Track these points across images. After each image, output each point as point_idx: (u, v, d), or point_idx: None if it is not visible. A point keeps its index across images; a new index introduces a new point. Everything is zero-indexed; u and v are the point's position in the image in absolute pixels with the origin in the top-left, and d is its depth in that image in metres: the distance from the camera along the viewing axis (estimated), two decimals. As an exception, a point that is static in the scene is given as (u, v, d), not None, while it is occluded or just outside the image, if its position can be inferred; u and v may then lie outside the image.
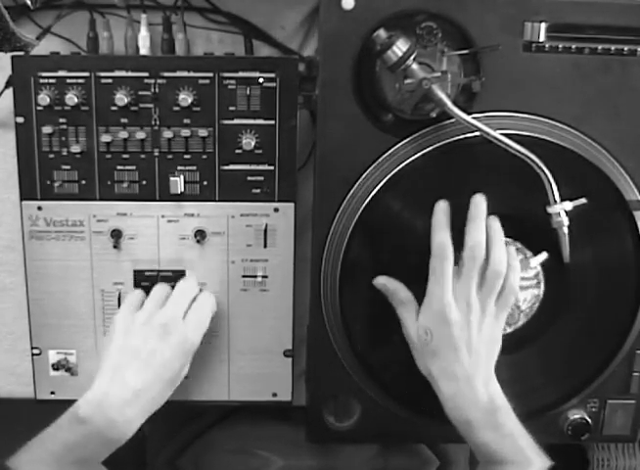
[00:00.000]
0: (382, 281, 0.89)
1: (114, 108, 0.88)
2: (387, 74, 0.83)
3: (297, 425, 1.02)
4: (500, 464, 0.83)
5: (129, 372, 0.85)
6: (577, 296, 0.92)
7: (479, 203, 0.85)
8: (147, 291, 0.94)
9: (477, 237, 0.84)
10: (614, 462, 1.14)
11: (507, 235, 0.88)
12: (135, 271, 0.94)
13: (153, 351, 0.87)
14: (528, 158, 0.81)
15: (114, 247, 0.93)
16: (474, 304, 0.83)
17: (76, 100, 0.87)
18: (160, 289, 0.93)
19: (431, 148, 0.86)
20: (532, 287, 0.91)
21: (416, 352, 0.87)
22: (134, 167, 0.90)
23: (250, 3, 0.93)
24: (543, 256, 0.89)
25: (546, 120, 0.86)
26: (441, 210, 0.85)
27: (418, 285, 0.87)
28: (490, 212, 0.87)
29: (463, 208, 0.86)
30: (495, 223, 0.85)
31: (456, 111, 0.81)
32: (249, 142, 0.89)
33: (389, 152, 0.86)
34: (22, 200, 0.91)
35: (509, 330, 0.92)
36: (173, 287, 0.93)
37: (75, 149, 0.89)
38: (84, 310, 0.95)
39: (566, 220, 0.83)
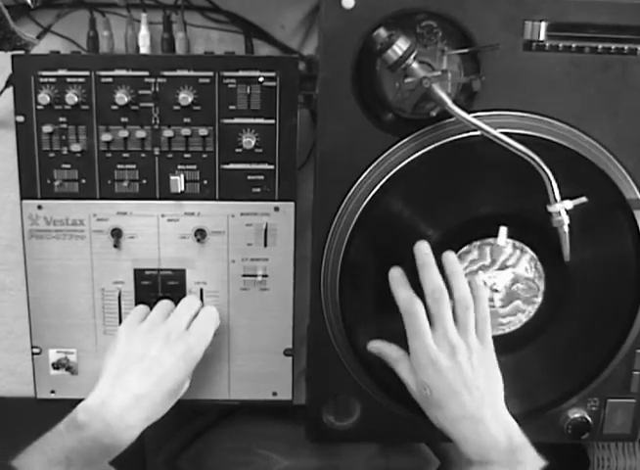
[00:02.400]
0: (375, 345, 0.91)
1: (114, 107, 0.88)
2: (387, 73, 0.83)
3: (298, 424, 1.02)
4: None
5: (130, 378, 0.85)
6: (578, 295, 0.92)
7: (422, 249, 0.86)
8: (147, 289, 0.94)
9: (433, 281, 0.85)
10: (614, 461, 1.13)
11: (508, 234, 0.88)
12: (135, 270, 0.94)
13: (155, 358, 0.87)
14: (529, 157, 0.81)
15: (115, 246, 0.93)
16: (457, 344, 0.84)
17: (77, 99, 0.87)
18: (163, 304, 0.94)
19: (431, 147, 0.86)
20: (521, 256, 0.91)
21: (422, 405, 0.88)
22: (134, 166, 0.90)
23: (250, 2, 0.93)
24: (503, 230, 0.89)
25: (546, 119, 0.86)
26: (395, 276, 0.87)
27: (419, 285, 0.87)
28: (491, 212, 0.88)
29: (462, 208, 0.87)
30: (452, 258, 0.86)
31: (456, 110, 0.81)
32: (249, 141, 0.89)
33: (390, 151, 0.86)
34: (22, 199, 0.91)
35: (539, 299, 0.92)
36: (175, 303, 0.94)
37: (76, 148, 0.89)
38: (84, 310, 0.95)
39: (566, 219, 0.83)
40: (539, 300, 0.92)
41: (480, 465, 0.84)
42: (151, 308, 0.93)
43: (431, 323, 0.85)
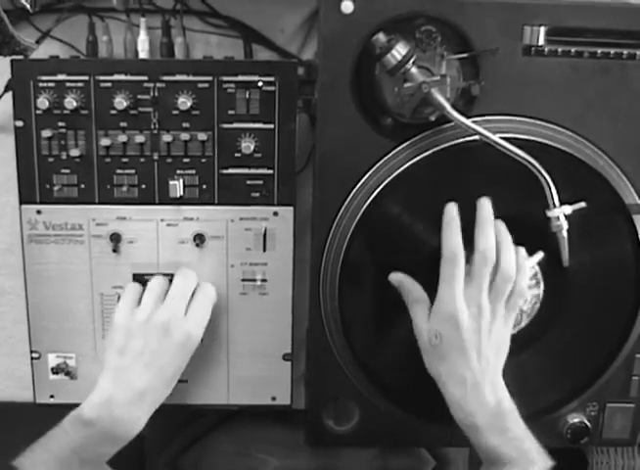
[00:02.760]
0: (398, 278, 0.88)
1: (113, 111, 0.88)
2: (386, 78, 0.83)
3: (297, 428, 1.02)
4: (504, 466, 0.83)
5: (133, 374, 0.86)
6: (577, 299, 0.92)
7: (485, 206, 0.85)
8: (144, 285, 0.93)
9: (487, 241, 0.84)
10: (613, 466, 1.13)
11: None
12: (134, 275, 0.94)
13: (155, 351, 0.87)
14: (528, 161, 0.81)
15: (114, 250, 0.92)
16: (485, 308, 0.84)
17: (76, 104, 0.87)
18: (157, 282, 0.92)
19: (430, 152, 0.86)
20: (532, 287, 0.91)
21: (425, 353, 0.87)
22: (133, 171, 0.90)
23: (249, 7, 0.93)
24: (539, 255, 0.88)
25: (545, 124, 0.86)
26: (452, 212, 0.85)
27: (424, 281, 0.87)
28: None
29: (462, 211, 0.86)
30: (503, 227, 0.85)
31: (455, 114, 0.81)
32: (248, 146, 0.89)
33: (389, 155, 0.86)
34: (21, 203, 0.91)
35: (513, 331, 0.91)
36: (170, 280, 0.92)
37: (75, 153, 0.89)
38: (83, 314, 0.95)
39: (565, 224, 0.83)
40: (537, 306, 0.92)
41: (467, 429, 0.85)
42: (142, 282, 0.93)
43: (467, 277, 0.84)
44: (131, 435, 0.85)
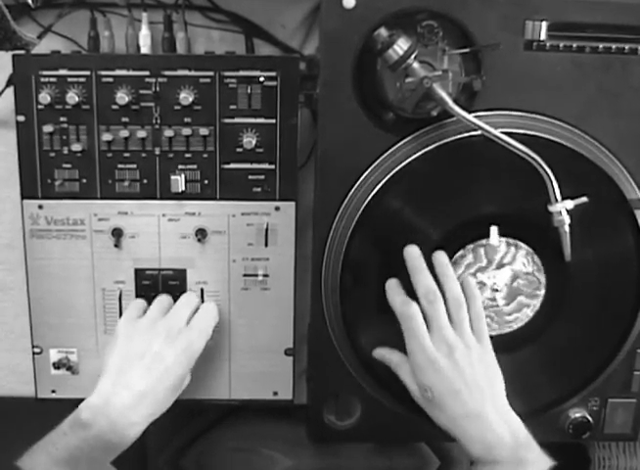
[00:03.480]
0: (380, 352, 0.91)
1: (114, 106, 0.88)
2: (388, 73, 0.83)
3: (299, 423, 1.02)
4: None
5: (132, 376, 0.85)
6: (578, 294, 0.92)
7: (412, 253, 0.86)
8: (148, 288, 0.94)
9: (426, 284, 0.85)
10: (615, 461, 1.13)
11: (509, 234, 0.88)
12: (136, 270, 0.94)
13: (156, 354, 0.87)
14: (530, 156, 0.81)
15: (115, 245, 0.93)
16: (453, 342, 0.84)
17: (77, 99, 0.87)
18: (162, 298, 0.94)
19: (432, 147, 0.86)
20: (517, 251, 0.91)
21: (425, 408, 0.87)
22: (135, 166, 0.90)
23: (250, 2, 0.93)
24: (494, 230, 0.88)
25: (547, 119, 0.86)
26: (391, 284, 0.88)
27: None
28: (492, 211, 0.88)
29: (464, 207, 0.87)
30: (443, 260, 0.86)
31: (457, 109, 0.81)
32: (249, 141, 0.89)
33: (390, 151, 0.86)
34: (22, 198, 0.91)
35: (541, 292, 0.92)
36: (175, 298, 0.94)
37: (76, 148, 0.89)
38: (85, 309, 0.95)
39: (567, 219, 0.83)
40: (542, 292, 0.92)
41: (486, 465, 0.84)
42: (149, 304, 0.93)
43: (427, 326, 0.85)
44: (127, 440, 0.84)
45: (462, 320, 0.85)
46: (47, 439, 0.83)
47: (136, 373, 0.86)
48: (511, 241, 0.90)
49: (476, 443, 0.83)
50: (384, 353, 0.91)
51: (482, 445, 0.83)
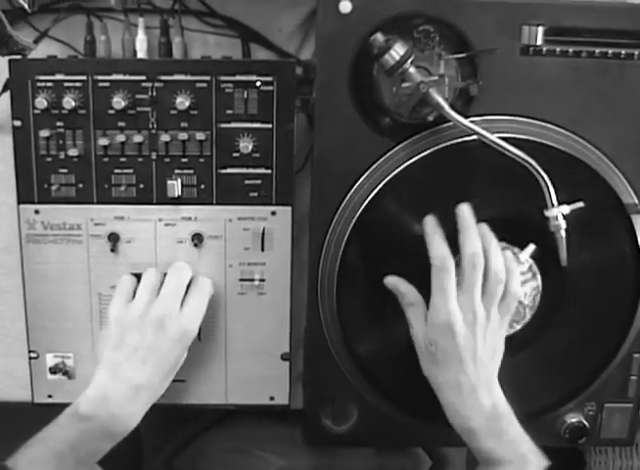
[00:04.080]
0: (393, 281, 0.88)
1: (111, 111, 0.88)
2: (384, 78, 0.83)
3: (295, 427, 1.02)
4: (501, 466, 0.83)
5: (128, 369, 0.86)
6: (575, 299, 0.92)
7: (465, 211, 0.85)
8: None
9: (473, 246, 0.84)
10: (611, 466, 1.13)
11: (504, 238, 0.88)
12: (132, 275, 0.93)
13: (151, 346, 0.87)
14: (526, 161, 0.81)
15: (112, 250, 0.92)
16: (479, 313, 0.83)
17: (74, 103, 0.87)
18: (151, 275, 0.92)
19: (428, 151, 0.86)
20: (529, 280, 0.91)
21: (422, 357, 0.87)
22: (131, 171, 0.90)
23: (247, 6, 0.93)
24: (531, 248, 0.88)
25: (544, 124, 0.86)
26: (432, 223, 0.85)
27: (420, 284, 0.87)
28: (488, 216, 0.87)
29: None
30: (487, 230, 0.86)
31: (453, 114, 0.81)
32: (246, 145, 0.89)
33: (387, 155, 0.86)
34: (19, 203, 0.91)
35: (518, 327, 0.92)
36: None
37: (73, 152, 0.89)
38: (81, 314, 0.95)
39: (563, 224, 0.83)
40: (538, 297, 0.92)
41: (465, 434, 0.85)
42: (138, 279, 0.92)
43: (458, 284, 0.84)
44: (127, 430, 0.86)
45: (495, 296, 0.84)
46: (44, 433, 0.83)
47: (132, 366, 0.86)
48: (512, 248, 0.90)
49: (459, 410, 0.85)
50: (398, 285, 0.88)
51: (464, 413, 0.84)
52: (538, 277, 0.91)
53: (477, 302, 0.83)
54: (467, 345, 0.83)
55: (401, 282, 0.88)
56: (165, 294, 0.90)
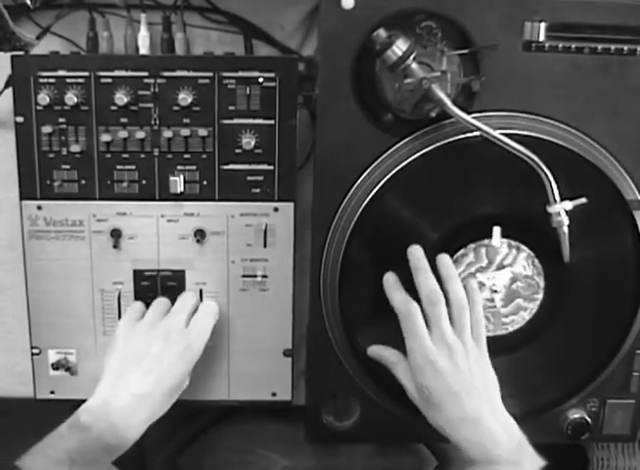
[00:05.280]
0: (374, 350, 0.91)
1: (113, 107, 0.88)
2: (386, 74, 0.83)
3: (297, 424, 1.02)
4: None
5: (132, 378, 0.85)
6: (577, 295, 0.92)
7: (415, 253, 0.86)
8: (146, 289, 0.94)
9: (429, 285, 0.85)
10: (613, 462, 1.14)
11: (507, 235, 0.88)
12: (135, 271, 0.94)
13: (155, 357, 0.87)
14: (528, 157, 0.81)
15: (114, 246, 0.93)
16: (454, 344, 0.84)
17: (76, 99, 0.87)
18: (161, 300, 0.94)
19: (430, 147, 0.86)
20: (518, 254, 0.91)
21: (422, 408, 0.87)
22: (134, 167, 0.90)
23: (249, 2, 0.93)
24: (496, 230, 0.89)
25: (546, 120, 0.86)
26: (389, 280, 0.88)
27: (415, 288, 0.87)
28: (490, 212, 0.88)
29: (462, 209, 0.87)
30: (446, 261, 0.87)
31: (456, 110, 0.81)
32: (248, 142, 0.89)
33: (389, 151, 0.86)
34: (21, 199, 0.91)
35: (539, 296, 0.92)
36: (173, 301, 0.94)
37: (75, 148, 0.89)
38: (84, 310, 0.95)
39: (566, 220, 0.83)
40: (540, 296, 0.92)
41: (484, 465, 0.84)
42: (147, 306, 0.93)
43: (427, 326, 0.85)
44: (126, 443, 0.84)
45: (464, 324, 0.85)
46: (45, 441, 0.83)
47: (135, 376, 0.86)
48: (512, 243, 0.90)
49: (472, 445, 0.83)
50: (379, 352, 0.91)
51: (480, 448, 0.83)
52: (523, 247, 0.91)
53: (447, 334, 0.84)
54: (453, 377, 0.83)
55: (380, 349, 0.91)
56: (173, 312, 0.91)
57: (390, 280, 0.88)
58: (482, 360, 0.86)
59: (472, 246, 0.90)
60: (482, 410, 0.83)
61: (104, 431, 0.82)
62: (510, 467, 0.83)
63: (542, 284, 0.92)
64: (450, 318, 0.85)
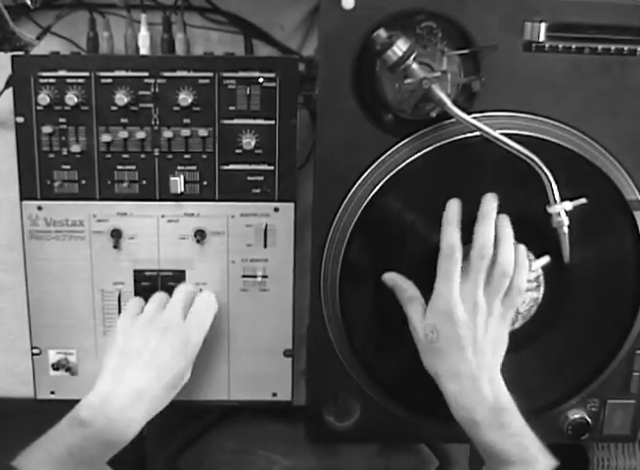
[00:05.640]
0: (391, 277, 0.89)
1: (113, 108, 0.88)
2: (386, 74, 0.83)
3: (297, 424, 1.02)
4: (505, 464, 0.83)
5: (131, 373, 0.86)
6: (577, 295, 0.92)
7: (490, 201, 0.85)
8: (147, 290, 0.94)
9: (485, 236, 0.84)
10: (614, 462, 1.13)
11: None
12: (135, 271, 0.94)
13: (154, 351, 0.87)
14: (529, 157, 0.81)
15: (114, 247, 0.93)
16: (480, 303, 0.84)
17: (76, 100, 0.87)
18: (159, 295, 0.94)
19: (430, 148, 0.86)
20: (532, 290, 0.91)
21: (422, 349, 0.87)
22: (134, 167, 0.90)
23: (249, 3, 0.93)
24: (545, 259, 0.88)
25: (546, 120, 0.86)
26: (453, 208, 0.85)
27: (417, 285, 0.87)
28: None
29: (463, 207, 0.86)
30: (505, 222, 0.85)
31: (456, 110, 0.81)
32: (249, 142, 0.89)
33: (389, 152, 0.86)
34: (21, 199, 0.91)
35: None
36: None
37: (75, 149, 0.89)
38: (84, 310, 0.95)
39: (566, 220, 0.83)
40: (539, 298, 0.92)
41: (467, 427, 0.85)
42: (146, 302, 0.93)
43: (464, 273, 0.84)
44: (125, 438, 0.84)
45: (499, 289, 0.84)
46: (46, 437, 0.83)
47: (134, 371, 0.86)
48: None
49: (459, 399, 0.84)
50: (397, 280, 0.89)
51: (466, 403, 0.84)
52: (541, 289, 0.91)
53: (479, 292, 0.83)
54: (467, 333, 0.83)
55: (400, 278, 0.89)
56: (171, 306, 0.91)
57: (454, 208, 0.85)
58: (501, 327, 0.86)
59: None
60: (482, 372, 0.84)
61: (103, 427, 0.82)
62: (491, 429, 0.83)
63: (542, 288, 0.92)
64: (489, 277, 0.84)
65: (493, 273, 0.84)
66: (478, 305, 0.83)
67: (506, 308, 0.85)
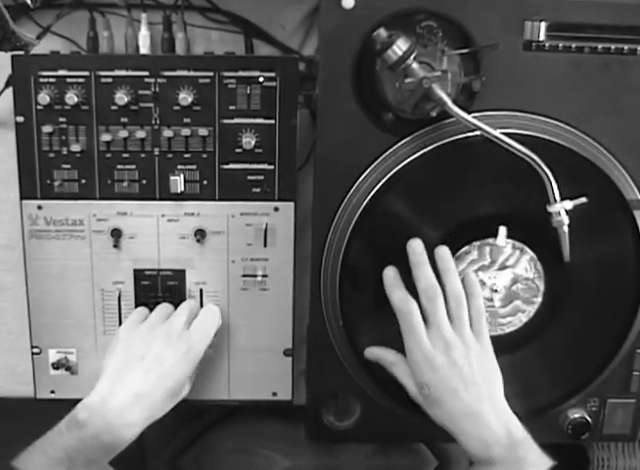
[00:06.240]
0: (372, 351, 0.91)
1: (114, 107, 0.88)
2: (387, 74, 0.83)
3: (298, 424, 1.02)
4: None
5: (131, 376, 0.85)
6: (577, 295, 0.92)
7: (416, 248, 0.86)
8: (147, 289, 0.95)
9: (426, 280, 0.85)
10: (614, 461, 1.13)
11: (507, 234, 0.88)
12: (135, 270, 0.94)
13: (156, 356, 0.87)
14: (529, 157, 0.81)
15: (115, 246, 0.93)
16: (451, 340, 0.84)
17: (76, 99, 0.87)
18: (164, 306, 0.94)
19: (431, 147, 0.86)
20: (521, 256, 0.91)
21: (423, 405, 0.87)
22: (134, 167, 0.90)
23: (250, 2, 0.93)
24: (502, 230, 0.88)
25: (546, 119, 0.86)
26: (389, 276, 0.87)
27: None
28: (491, 212, 0.88)
29: (462, 208, 0.87)
30: (443, 252, 0.86)
31: (456, 110, 0.81)
32: (249, 141, 0.89)
33: (390, 151, 0.86)
34: (22, 199, 0.91)
35: (538, 300, 0.93)
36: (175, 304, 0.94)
37: (75, 148, 0.89)
38: (84, 310, 0.95)
39: (566, 219, 0.83)
40: (539, 300, 0.92)
41: (483, 466, 0.84)
42: (150, 311, 0.94)
43: (425, 322, 0.85)
44: (122, 443, 0.84)
45: (461, 318, 0.84)
46: (44, 438, 0.83)
47: (134, 374, 0.86)
48: (517, 244, 0.90)
49: (472, 440, 0.83)
50: (377, 353, 0.91)
51: (479, 442, 0.83)
52: (527, 248, 0.91)
53: (445, 330, 0.84)
54: (451, 373, 0.83)
55: (378, 350, 0.91)
56: (175, 315, 0.92)
57: (390, 275, 0.87)
58: (484, 355, 0.85)
59: (476, 244, 0.90)
60: (483, 406, 0.83)
61: (100, 429, 0.82)
62: (509, 467, 0.82)
63: (542, 288, 0.92)
64: (448, 313, 0.85)
65: (450, 309, 0.85)
66: (449, 343, 0.84)
67: (479, 336, 0.85)
